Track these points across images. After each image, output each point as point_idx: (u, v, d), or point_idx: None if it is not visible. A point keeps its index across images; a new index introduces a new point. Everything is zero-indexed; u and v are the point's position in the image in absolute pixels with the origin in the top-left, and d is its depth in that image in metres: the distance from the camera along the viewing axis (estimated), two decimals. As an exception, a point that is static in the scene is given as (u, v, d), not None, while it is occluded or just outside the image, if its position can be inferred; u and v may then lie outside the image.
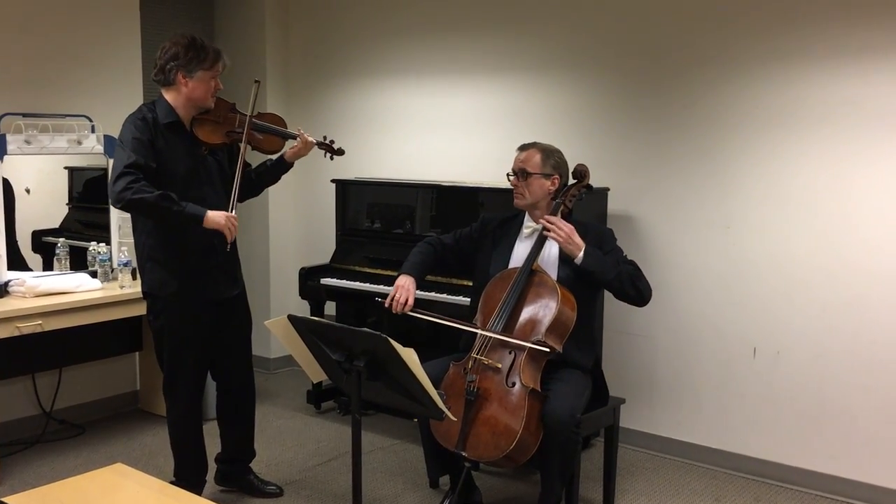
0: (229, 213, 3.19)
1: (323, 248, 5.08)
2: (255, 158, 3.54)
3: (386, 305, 3.30)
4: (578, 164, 3.32)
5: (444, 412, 2.58)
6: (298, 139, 3.41)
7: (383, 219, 4.59)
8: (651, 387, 4.18)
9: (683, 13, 3.95)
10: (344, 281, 4.48)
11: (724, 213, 3.92)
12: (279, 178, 3.59)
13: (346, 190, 4.74)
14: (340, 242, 4.73)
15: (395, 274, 4.26)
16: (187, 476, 3.46)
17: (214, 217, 3.14)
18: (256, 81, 3.31)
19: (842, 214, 3.62)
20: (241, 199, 3.44)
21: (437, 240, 3.56)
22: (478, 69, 4.67)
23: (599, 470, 3.59)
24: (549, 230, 3.16)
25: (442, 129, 4.84)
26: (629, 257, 3.37)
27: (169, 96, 3.21)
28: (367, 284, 4.37)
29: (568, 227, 3.16)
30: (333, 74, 5.32)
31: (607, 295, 4.18)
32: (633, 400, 4.05)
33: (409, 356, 2.44)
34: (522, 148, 3.37)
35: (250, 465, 3.71)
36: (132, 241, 4.36)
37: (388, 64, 5.05)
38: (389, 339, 2.42)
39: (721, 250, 3.94)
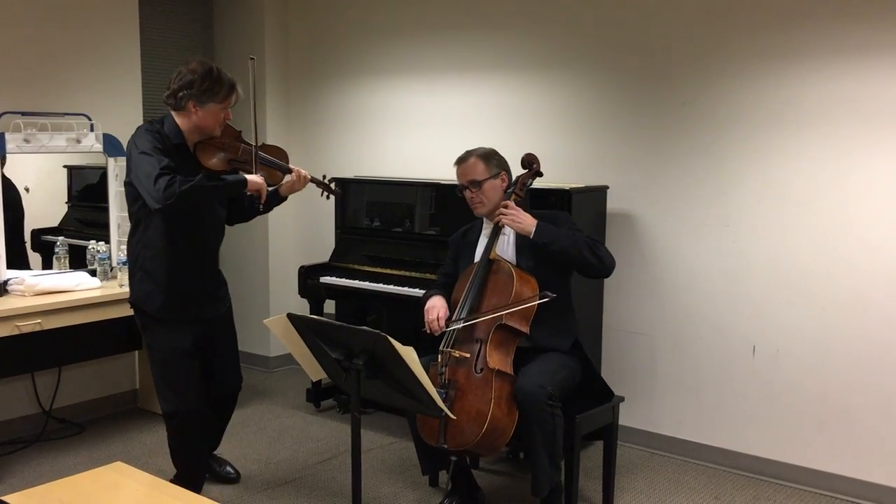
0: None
1: (322, 246, 5.08)
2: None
3: (428, 331, 3.32)
4: (526, 154, 3.39)
5: (443, 410, 2.58)
6: (293, 174, 3.45)
7: (383, 217, 4.59)
8: (650, 385, 4.18)
9: (681, 11, 3.94)
10: (343, 279, 4.48)
11: (723, 211, 3.92)
12: (271, 209, 3.61)
13: (346, 188, 4.72)
14: (340, 241, 4.72)
15: (394, 272, 4.31)
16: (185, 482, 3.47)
17: (254, 179, 3.24)
18: (251, 59, 3.31)
19: (840, 213, 3.62)
20: (230, 223, 3.55)
21: (441, 283, 3.57)
22: (477, 67, 4.66)
23: (599, 468, 3.58)
24: (497, 214, 3.24)
25: (441, 127, 4.83)
26: (621, 254, 3.38)
27: (179, 119, 3.23)
28: (367, 283, 4.37)
29: (515, 208, 3.23)
30: (333, 73, 5.32)
31: (607, 293, 4.21)
32: (633, 398, 4.05)
33: (409, 354, 2.44)
34: (461, 161, 3.39)
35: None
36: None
37: (387, 63, 5.05)
38: (389, 337, 2.42)
39: (720, 248, 3.94)
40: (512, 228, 3.25)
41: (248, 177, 3.24)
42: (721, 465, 3.99)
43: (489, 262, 3.26)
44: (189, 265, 3.31)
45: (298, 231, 5.60)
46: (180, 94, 3.15)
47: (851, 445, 3.65)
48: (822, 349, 3.69)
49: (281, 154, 3.48)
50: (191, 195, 3.04)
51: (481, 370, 3.07)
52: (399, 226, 4.53)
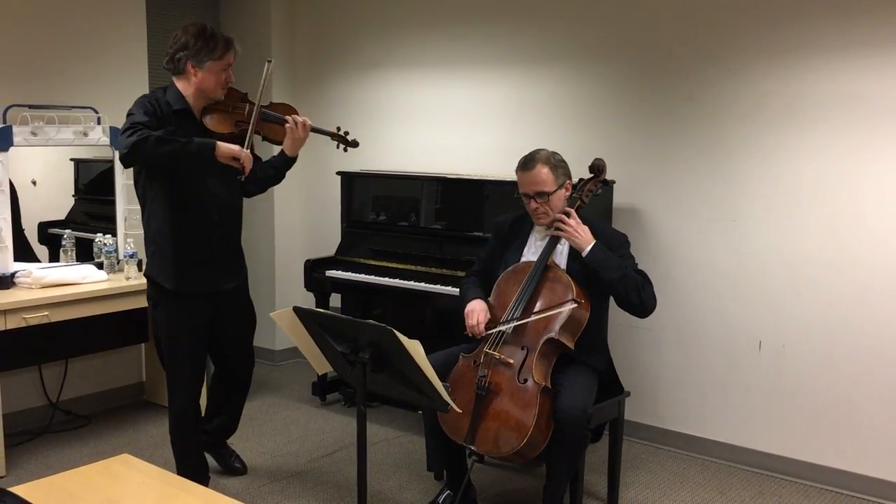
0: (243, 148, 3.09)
1: (328, 240, 5.08)
2: (266, 152, 3.53)
3: (470, 335, 3.19)
4: (596, 159, 3.27)
5: (449, 404, 2.58)
6: (290, 123, 3.27)
7: (388, 211, 4.59)
8: (656, 380, 4.18)
9: (689, 6, 3.93)
10: (349, 273, 4.48)
11: (730, 206, 3.91)
12: (283, 176, 3.47)
13: (352, 182, 4.74)
14: (346, 234, 4.73)
15: (400, 266, 4.31)
16: (189, 475, 3.45)
17: (227, 146, 3.03)
18: (269, 61, 3.23)
19: (848, 208, 3.61)
20: (247, 195, 3.45)
21: (473, 273, 3.49)
22: (484, 61, 4.65)
23: (604, 462, 3.59)
24: (556, 222, 3.15)
25: (447, 121, 4.83)
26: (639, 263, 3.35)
27: (180, 85, 3.18)
28: (373, 276, 4.38)
29: (575, 221, 3.15)
30: (339, 66, 5.31)
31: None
32: (638, 393, 4.04)
33: (415, 348, 2.44)
34: (527, 168, 3.19)
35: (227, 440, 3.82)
36: (138, 232, 4.40)
37: (393, 56, 5.04)
38: (395, 330, 2.42)
39: (727, 244, 3.93)
40: (568, 241, 3.16)
41: (221, 143, 3.05)
42: (726, 461, 3.99)
43: (546, 267, 3.17)
44: (195, 236, 3.22)
45: (304, 225, 5.61)
46: (177, 56, 3.12)
47: (857, 441, 3.65)
48: (829, 344, 3.68)
49: (286, 110, 3.34)
50: (140, 146, 2.93)
51: (525, 381, 2.99)
52: (405, 220, 4.53)
